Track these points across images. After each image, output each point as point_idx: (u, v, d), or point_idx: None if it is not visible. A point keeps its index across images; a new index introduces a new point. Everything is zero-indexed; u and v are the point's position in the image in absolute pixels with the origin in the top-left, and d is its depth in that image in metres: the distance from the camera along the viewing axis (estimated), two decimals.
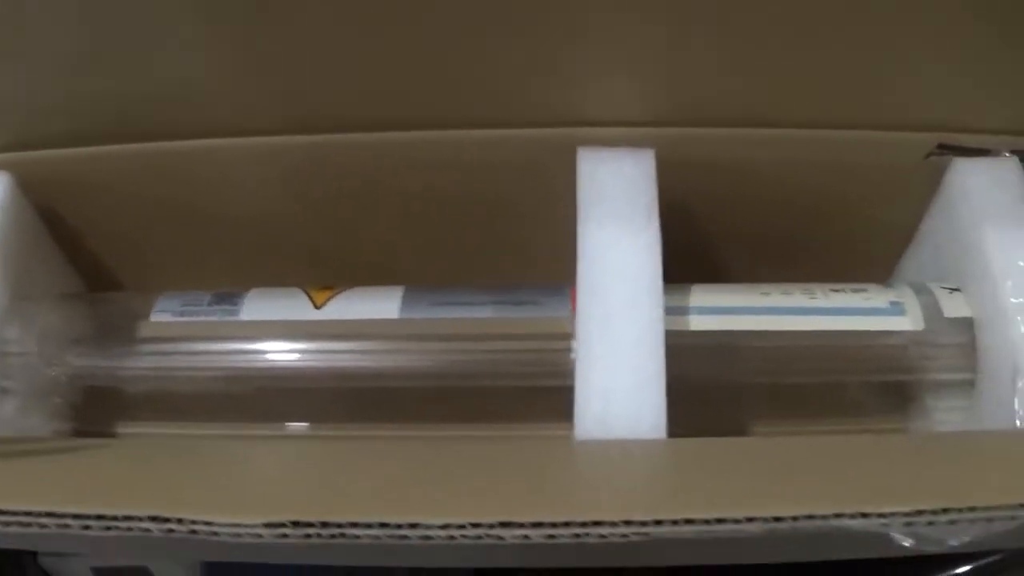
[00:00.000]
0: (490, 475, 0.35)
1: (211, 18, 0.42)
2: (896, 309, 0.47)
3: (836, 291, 0.47)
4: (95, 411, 0.54)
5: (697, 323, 0.46)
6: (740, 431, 0.53)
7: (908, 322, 0.47)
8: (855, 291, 0.47)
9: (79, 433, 0.55)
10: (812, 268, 0.55)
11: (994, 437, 0.43)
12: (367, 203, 0.52)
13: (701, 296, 0.47)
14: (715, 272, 0.58)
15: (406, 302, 0.48)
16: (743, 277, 0.54)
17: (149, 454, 0.40)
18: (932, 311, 0.48)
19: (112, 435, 0.56)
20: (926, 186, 0.52)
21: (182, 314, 0.49)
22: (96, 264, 0.57)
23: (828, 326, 0.47)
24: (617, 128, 0.48)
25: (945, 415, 0.52)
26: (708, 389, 0.50)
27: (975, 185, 0.49)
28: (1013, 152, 0.51)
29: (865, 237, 0.56)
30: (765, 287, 0.48)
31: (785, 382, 0.49)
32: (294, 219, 0.54)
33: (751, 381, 0.49)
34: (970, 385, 0.49)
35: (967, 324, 0.48)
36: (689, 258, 0.55)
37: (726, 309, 0.47)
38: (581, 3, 0.43)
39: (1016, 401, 0.44)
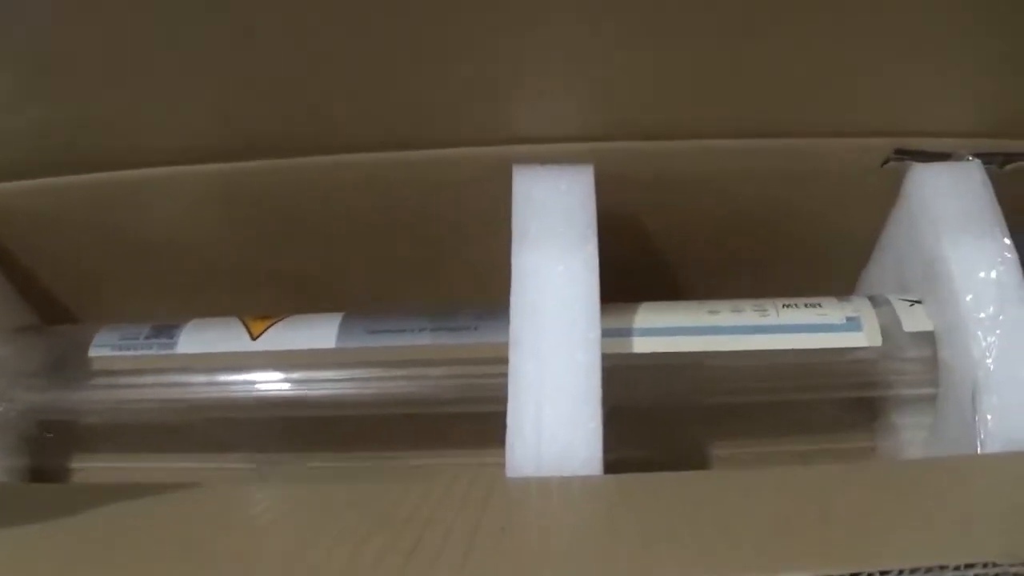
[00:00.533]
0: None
1: (151, 46, 0.41)
2: (852, 325, 0.45)
3: (789, 307, 0.45)
4: (49, 446, 0.53)
5: (640, 345, 0.45)
6: (693, 454, 0.51)
7: (865, 338, 0.45)
8: (809, 306, 0.45)
9: (34, 469, 0.54)
10: (771, 281, 0.53)
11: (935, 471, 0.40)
12: (308, 227, 0.51)
13: (644, 316, 0.45)
14: (672, 289, 0.56)
15: (343, 331, 0.46)
16: (701, 293, 0.53)
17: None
18: (891, 326, 0.46)
19: (68, 470, 0.55)
20: (886, 194, 0.50)
21: (120, 348, 0.48)
22: (48, 296, 0.56)
23: (780, 345, 0.45)
24: (557, 144, 0.47)
25: (911, 432, 0.49)
26: (655, 412, 0.48)
27: (934, 192, 0.47)
28: (976, 155, 0.48)
29: (825, 248, 0.54)
30: (714, 304, 0.46)
31: (737, 402, 0.47)
32: (237, 245, 0.52)
33: (701, 403, 0.47)
34: (934, 400, 0.46)
35: (927, 338, 0.46)
36: (643, 275, 0.54)
37: (671, 329, 0.45)
38: (517, 20, 0.41)
39: (976, 421, 0.41)
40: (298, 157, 0.48)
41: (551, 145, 0.47)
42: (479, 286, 0.48)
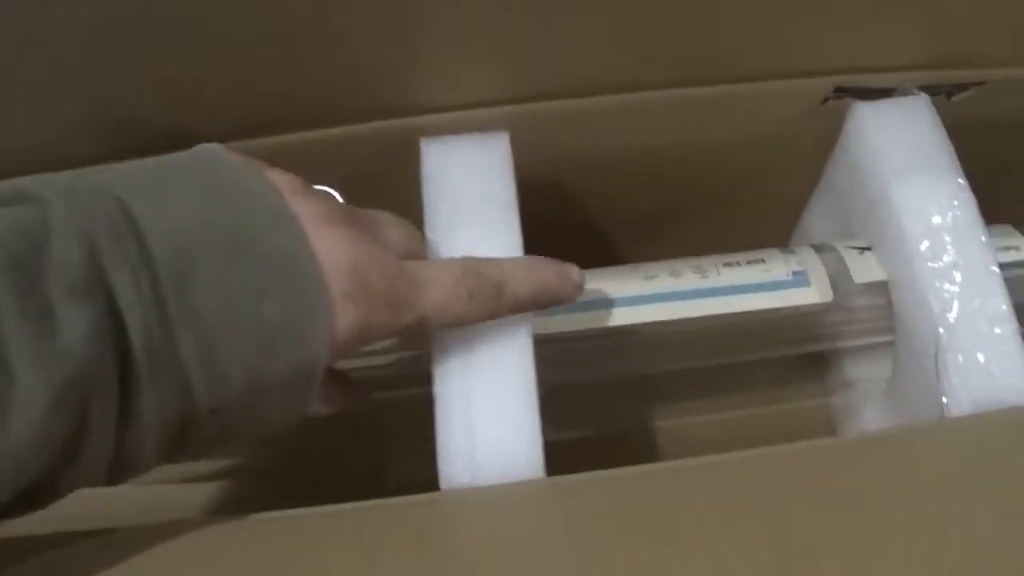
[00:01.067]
0: None
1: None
2: (799, 280, 0.41)
3: (730, 265, 0.42)
4: None
5: (574, 322, 0.40)
6: (639, 427, 0.47)
7: (814, 293, 0.42)
8: (752, 263, 0.42)
9: None
10: (712, 234, 0.51)
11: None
12: None
13: None
14: (607, 251, 0.53)
15: None
16: (639, 253, 0.49)
17: None
18: (840, 277, 0.43)
19: None
20: (827, 135, 0.45)
21: None
22: None
23: (724, 309, 0.41)
24: (468, 111, 0.42)
25: (867, 386, 0.46)
26: (598, 387, 0.44)
27: (878, 131, 0.43)
28: (922, 88, 0.44)
29: (767, 196, 0.50)
30: (649, 268, 0.42)
31: (685, 368, 0.43)
32: None
33: (644, 374, 0.43)
34: (889, 351, 0.43)
35: (880, 288, 0.42)
36: (574, 240, 0.49)
37: (606, 302, 0.41)
38: None
39: (940, 380, 0.38)
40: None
41: (462, 113, 0.42)
42: None
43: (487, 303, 0.33)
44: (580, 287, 0.36)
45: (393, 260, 0.31)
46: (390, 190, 0.41)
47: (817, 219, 0.50)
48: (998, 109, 0.47)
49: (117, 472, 0.26)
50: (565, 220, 0.49)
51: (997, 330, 0.39)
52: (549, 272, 0.35)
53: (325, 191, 0.34)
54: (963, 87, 0.45)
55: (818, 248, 0.43)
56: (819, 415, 0.53)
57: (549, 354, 0.40)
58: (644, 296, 0.41)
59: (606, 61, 0.41)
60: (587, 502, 0.31)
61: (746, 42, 0.41)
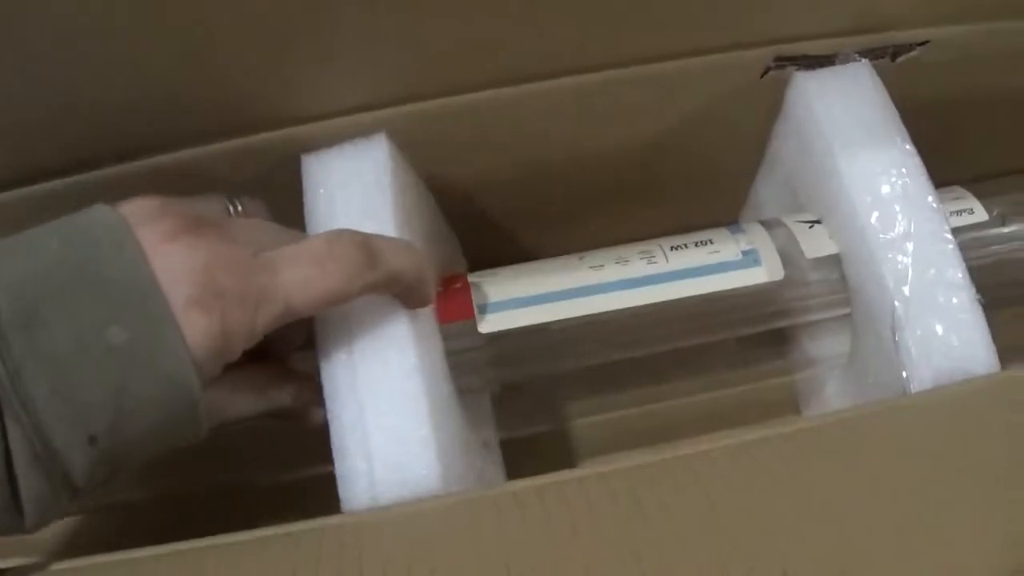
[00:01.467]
0: None
1: None
2: (750, 259, 0.40)
3: (678, 248, 0.40)
4: None
5: (521, 317, 0.39)
6: (597, 420, 0.46)
7: (766, 272, 0.41)
8: (700, 244, 0.40)
9: None
10: (658, 215, 0.50)
11: None
12: None
13: (521, 283, 0.40)
14: (554, 240, 0.51)
15: None
16: (584, 240, 0.48)
17: None
18: (791, 253, 0.42)
19: None
20: (771, 107, 0.44)
21: None
22: None
23: (675, 294, 0.39)
24: (350, 117, 0.41)
25: (827, 361, 0.45)
26: (556, 380, 0.43)
27: (820, 100, 0.42)
28: (864, 54, 0.43)
29: (712, 174, 0.49)
30: (595, 257, 0.41)
31: (642, 355, 0.42)
32: None
33: (598, 364, 0.42)
34: (847, 323, 0.42)
35: (833, 261, 0.41)
36: (497, 235, 0.48)
37: (553, 295, 0.39)
38: None
39: (899, 354, 0.37)
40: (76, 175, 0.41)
41: (343, 119, 0.41)
42: None
43: (357, 269, 0.32)
44: (431, 300, 0.37)
45: (242, 255, 0.31)
46: (275, 204, 0.40)
47: (766, 193, 0.49)
48: (944, 66, 0.45)
49: (20, 513, 0.27)
50: (482, 214, 0.47)
51: (954, 299, 0.38)
52: (421, 260, 0.35)
53: (207, 199, 0.36)
54: (907, 48, 0.44)
55: (767, 224, 0.42)
56: (783, 393, 0.52)
57: (498, 352, 0.40)
58: (591, 287, 0.40)
59: (524, 46, 0.40)
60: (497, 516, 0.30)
61: (678, 17, 0.40)
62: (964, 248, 0.40)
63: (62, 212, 0.32)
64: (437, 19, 0.37)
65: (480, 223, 0.48)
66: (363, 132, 0.40)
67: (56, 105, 0.37)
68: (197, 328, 0.29)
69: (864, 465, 0.31)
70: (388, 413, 0.35)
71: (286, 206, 0.39)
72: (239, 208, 0.37)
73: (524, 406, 0.40)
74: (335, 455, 0.34)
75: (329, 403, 0.35)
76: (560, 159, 0.46)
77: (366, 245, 0.33)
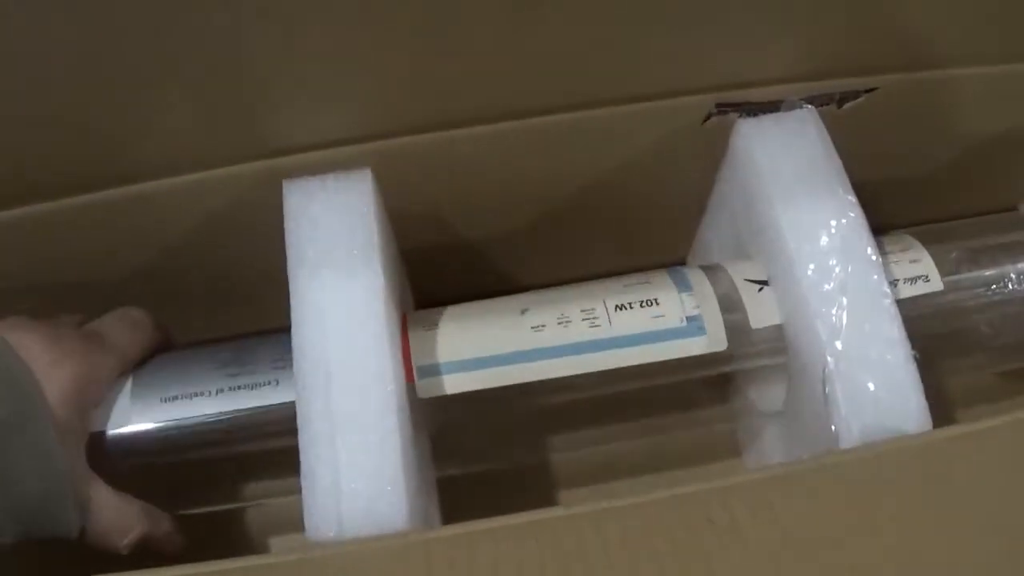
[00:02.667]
0: None
1: None
2: (693, 327, 0.40)
3: (622, 309, 0.40)
4: None
5: (454, 383, 0.39)
6: (545, 455, 0.47)
7: (708, 343, 0.41)
8: (644, 304, 0.40)
9: None
10: (604, 254, 0.52)
11: None
12: (90, 267, 0.45)
13: (457, 343, 0.40)
14: (497, 276, 0.52)
15: (136, 398, 0.40)
16: (530, 276, 0.52)
17: None
18: (737, 322, 0.42)
19: None
20: (715, 152, 0.44)
21: None
22: None
23: (615, 363, 0.40)
24: (330, 150, 0.41)
25: (765, 409, 0.46)
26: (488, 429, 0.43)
27: (761, 148, 0.43)
28: (810, 100, 0.43)
29: (658, 215, 0.50)
30: (536, 313, 0.41)
31: (579, 409, 0.42)
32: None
33: (542, 411, 0.42)
34: (785, 371, 0.42)
35: (776, 329, 0.40)
36: (462, 268, 0.48)
37: (489, 360, 0.40)
38: (273, 24, 0.35)
39: (828, 408, 0.37)
40: (68, 197, 0.42)
41: (325, 152, 0.42)
42: (265, 314, 0.42)
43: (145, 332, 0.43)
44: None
45: (71, 327, 0.41)
46: (256, 233, 0.40)
47: (713, 235, 0.49)
48: (891, 113, 0.45)
49: None
50: (449, 248, 0.48)
51: (888, 356, 0.38)
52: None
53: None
54: (854, 94, 0.44)
55: (714, 279, 0.42)
56: (725, 440, 0.52)
57: (436, 406, 0.40)
58: (530, 352, 0.40)
59: (479, 92, 0.40)
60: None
61: (623, 64, 0.40)
62: (909, 302, 0.40)
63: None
64: (401, 64, 0.39)
65: (436, 253, 0.48)
66: (340, 165, 0.41)
67: (40, 133, 0.38)
68: (57, 384, 0.36)
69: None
70: (360, 447, 0.36)
71: (264, 234, 0.40)
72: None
73: (462, 448, 0.40)
74: (303, 481, 0.35)
75: (302, 425, 0.36)
76: (520, 195, 0.48)
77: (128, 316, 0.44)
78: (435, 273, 0.45)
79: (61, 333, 0.39)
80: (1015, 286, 0.47)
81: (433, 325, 0.41)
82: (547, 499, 0.33)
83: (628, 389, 0.42)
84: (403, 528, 0.34)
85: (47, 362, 0.36)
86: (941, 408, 0.51)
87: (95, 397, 0.39)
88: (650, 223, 0.50)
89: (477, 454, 0.45)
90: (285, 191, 0.41)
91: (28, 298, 0.45)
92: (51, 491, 0.35)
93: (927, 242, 0.46)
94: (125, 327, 0.42)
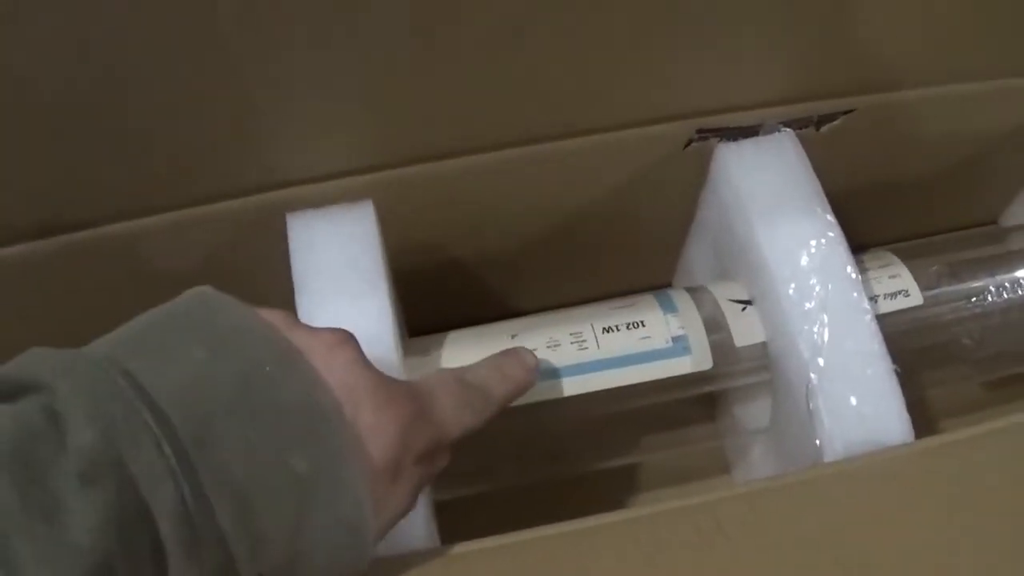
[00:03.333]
0: None
1: None
2: (679, 347, 0.42)
3: (609, 331, 0.41)
4: None
5: None
6: (535, 476, 0.49)
7: (693, 362, 0.43)
8: (632, 327, 0.41)
9: None
10: (595, 278, 0.53)
11: None
12: (86, 307, 0.46)
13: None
14: (491, 302, 0.54)
15: None
16: (523, 300, 0.53)
17: None
18: (721, 341, 0.43)
19: None
20: (696, 177, 0.46)
21: None
22: None
23: (603, 384, 0.42)
24: (332, 182, 0.43)
25: (752, 426, 0.47)
26: (481, 456, 0.44)
27: (741, 172, 0.44)
28: (788, 124, 0.44)
29: (642, 240, 0.51)
30: (527, 335, 0.42)
31: (570, 431, 0.43)
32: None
33: (530, 441, 0.43)
34: (770, 388, 0.43)
35: (760, 347, 0.42)
36: (458, 294, 0.50)
37: None
38: (270, 57, 0.36)
39: (813, 423, 0.38)
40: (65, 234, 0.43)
41: (327, 184, 0.43)
42: None
43: (482, 410, 0.33)
44: (536, 368, 0.37)
45: (392, 376, 0.30)
46: (259, 266, 0.41)
47: (696, 257, 0.50)
48: (870, 134, 0.47)
49: None
50: (444, 275, 0.49)
51: (869, 370, 0.39)
52: (514, 366, 0.36)
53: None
54: (832, 117, 0.45)
55: (699, 300, 0.43)
56: (714, 458, 0.53)
57: None
58: None
59: (467, 123, 0.41)
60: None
61: (603, 92, 0.42)
62: (889, 317, 0.41)
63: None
64: (395, 97, 0.40)
65: (429, 280, 0.49)
66: (343, 197, 0.43)
67: (50, 171, 0.39)
68: (381, 446, 0.28)
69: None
70: None
71: (267, 267, 0.41)
72: None
73: (455, 471, 0.41)
74: None
75: None
76: (511, 223, 0.49)
77: (481, 386, 0.34)
78: (428, 300, 0.47)
79: (384, 376, 0.29)
80: (995, 298, 0.48)
81: (426, 352, 0.42)
82: (536, 521, 0.34)
83: (618, 410, 0.43)
84: (421, 548, 0.35)
85: (372, 407, 0.28)
86: (925, 419, 0.53)
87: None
88: (637, 247, 0.52)
89: (470, 477, 0.46)
90: (289, 224, 0.42)
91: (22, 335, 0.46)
92: (355, 569, 0.28)
93: (907, 258, 0.47)
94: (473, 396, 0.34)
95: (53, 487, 0.22)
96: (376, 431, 0.28)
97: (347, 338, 0.29)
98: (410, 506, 0.30)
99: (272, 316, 0.28)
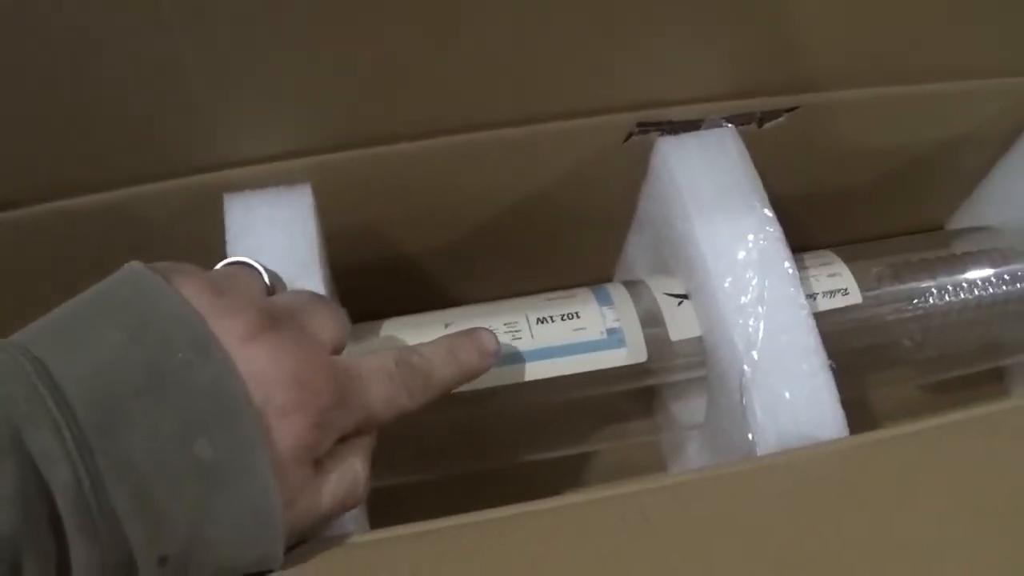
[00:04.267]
0: None
1: None
2: (614, 339, 0.42)
3: (544, 322, 0.41)
4: None
5: None
6: (469, 467, 0.48)
7: (628, 354, 0.43)
8: (566, 318, 0.41)
9: None
10: (534, 268, 0.53)
11: None
12: (17, 287, 0.46)
13: None
14: (428, 290, 0.54)
15: None
16: (461, 290, 0.53)
17: None
18: (657, 334, 0.43)
19: None
20: (637, 170, 0.46)
21: None
22: None
23: (537, 374, 0.42)
24: (272, 164, 0.43)
25: (687, 421, 0.47)
26: (413, 445, 0.44)
27: (681, 166, 0.44)
28: (731, 119, 0.44)
29: (584, 231, 0.51)
30: (461, 327, 0.41)
31: (504, 423, 0.43)
32: None
33: (463, 431, 0.43)
34: (705, 383, 0.44)
35: (695, 342, 0.42)
36: (395, 282, 0.50)
37: None
38: (212, 38, 0.36)
39: (746, 417, 0.39)
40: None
41: (267, 166, 0.43)
42: None
43: (420, 394, 0.33)
44: (496, 353, 0.36)
45: (329, 358, 0.31)
46: (197, 246, 0.41)
47: (637, 252, 0.50)
48: (812, 132, 0.47)
49: None
50: (383, 263, 0.49)
51: (804, 365, 0.40)
52: (468, 350, 0.36)
53: (244, 266, 0.34)
54: (775, 114, 0.46)
55: (635, 294, 0.43)
56: (653, 453, 0.53)
57: None
58: None
59: (407, 109, 0.42)
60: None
61: (545, 82, 0.42)
62: (828, 315, 0.41)
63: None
64: (335, 82, 0.40)
65: (369, 269, 0.49)
66: (282, 180, 0.43)
67: None
68: (291, 439, 0.28)
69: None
70: None
71: (204, 248, 0.40)
72: (268, 280, 0.35)
73: (385, 460, 0.41)
74: None
75: None
76: (451, 211, 0.49)
77: (425, 368, 0.34)
78: (368, 288, 0.46)
79: (312, 358, 0.30)
80: (936, 301, 0.48)
81: (359, 339, 0.42)
82: (467, 509, 0.34)
83: (553, 401, 0.43)
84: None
85: (284, 395, 0.28)
86: (866, 421, 0.53)
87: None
88: (578, 240, 0.52)
89: (400, 466, 0.46)
90: (226, 205, 0.42)
91: None
92: (266, 557, 0.28)
93: (850, 258, 0.48)
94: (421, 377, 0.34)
95: None
96: (287, 419, 0.28)
97: (267, 324, 0.29)
98: (349, 494, 0.31)
99: (198, 296, 0.28)
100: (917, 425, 0.38)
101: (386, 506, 0.42)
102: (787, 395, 0.40)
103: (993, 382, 0.60)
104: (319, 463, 0.30)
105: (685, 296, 0.43)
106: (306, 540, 0.31)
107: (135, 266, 0.29)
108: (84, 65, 0.36)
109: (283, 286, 0.36)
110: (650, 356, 0.42)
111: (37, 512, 0.23)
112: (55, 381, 0.25)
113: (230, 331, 0.28)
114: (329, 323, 0.32)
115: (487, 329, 0.36)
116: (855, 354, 0.48)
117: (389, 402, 0.32)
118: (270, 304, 0.31)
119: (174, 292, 0.28)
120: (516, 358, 0.41)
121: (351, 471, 0.31)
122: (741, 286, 0.41)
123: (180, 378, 0.26)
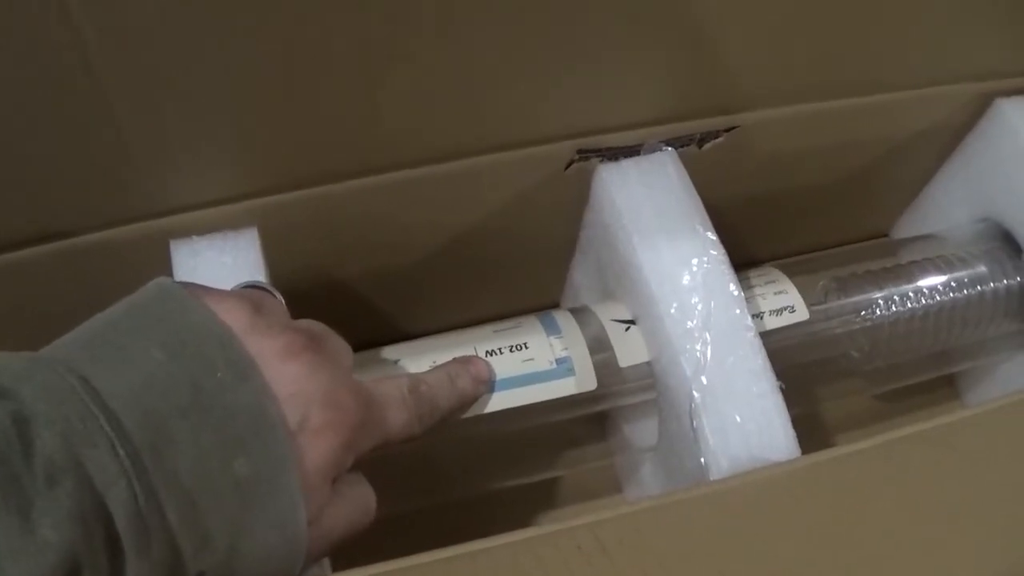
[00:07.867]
0: None
1: None
2: (563, 368, 0.43)
3: (493, 353, 0.42)
4: None
5: None
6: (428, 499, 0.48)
7: (577, 383, 0.44)
8: (515, 349, 0.43)
9: None
10: (486, 301, 0.55)
11: None
12: None
13: None
14: (380, 324, 0.56)
15: None
16: (411, 322, 0.55)
17: None
18: (605, 362, 0.45)
19: None
20: (579, 197, 0.47)
21: None
22: None
23: (490, 407, 0.43)
24: (217, 208, 0.44)
25: (641, 444, 0.49)
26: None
27: (621, 192, 0.46)
28: (671, 142, 0.46)
29: (530, 259, 0.53)
30: (411, 363, 0.43)
31: (457, 455, 0.45)
32: None
33: (417, 466, 0.44)
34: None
35: (644, 367, 0.43)
36: (347, 317, 0.50)
37: None
38: (148, 77, 0.37)
39: (697, 441, 0.40)
40: None
41: (212, 210, 0.44)
42: None
43: (428, 420, 0.36)
44: (488, 382, 0.40)
45: (356, 381, 0.33)
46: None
47: (582, 278, 0.52)
48: (752, 150, 0.49)
49: None
50: (331, 298, 0.50)
51: (753, 388, 0.41)
52: (465, 379, 0.39)
53: (269, 298, 0.35)
54: (714, 134, 0.47)
55: (583, 321, 0.45)
56: (609, 476, 0.55)
57: None
58: None
59: (348, 148, 0.43)
60: None
61: (482, 114, 0.43)
62: (775, 333, 0.43)
63: None
64: (270, 125, 0.41)
65: (317, 306, 0.50)
66: (228, 224, 0.44)
67: None
68: (320, 457, 0.30)
69: None
70: None
71: None
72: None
73: None
74: None
75: None
76: (398, 246, 0.51)
77: (430, 397, 0.37)
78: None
79: (344, 380, 0.32)
80: (883, 311, 0.50)
81: None
82: (424, 546, 0.35)
83: (506, 431, 0.45)
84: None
85: (318, 416, 0.30)
86: (818, 434, 0.55)
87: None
88: (525, 267, 0.54)
89: None
90: (172, 251, 0.43)
91: None
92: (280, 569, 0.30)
93: (794, 273, 0.49)
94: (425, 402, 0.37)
95: (25, 487, 0.24)
96: (319, 438, 0.30)
97: (304, 344, 0.31)
98: (363, 515, 0.33)
99: (232, 314, 0.30)
100: (868, 442, 0.39)
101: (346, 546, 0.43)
102: (737, 418, 0.41)
103: (944, 386, 0.62)
104: (335, 483, 0.31)
105: (632, 322, 0.45)
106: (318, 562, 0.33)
107: (165, 282, 0.31)
108: (14, 116, 0.36)
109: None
110: (600, 383, 0.44)
111: (94, 529, 0.25)
112: (103, 400, 0.26)
113: (270, 348, 0.30)
114: (343, 349, 0.35)
115: (482, 358, 0.40)
116: (805, 369, 0.49)
117: (403, 427, 0.35)
118: (299, 326, 0.33)
119: (207, 308, 0.30)
120: None
121: (363, 493, 0.33)
122: (687, 311, 0.43)
123: (220, 397, 0.28)
